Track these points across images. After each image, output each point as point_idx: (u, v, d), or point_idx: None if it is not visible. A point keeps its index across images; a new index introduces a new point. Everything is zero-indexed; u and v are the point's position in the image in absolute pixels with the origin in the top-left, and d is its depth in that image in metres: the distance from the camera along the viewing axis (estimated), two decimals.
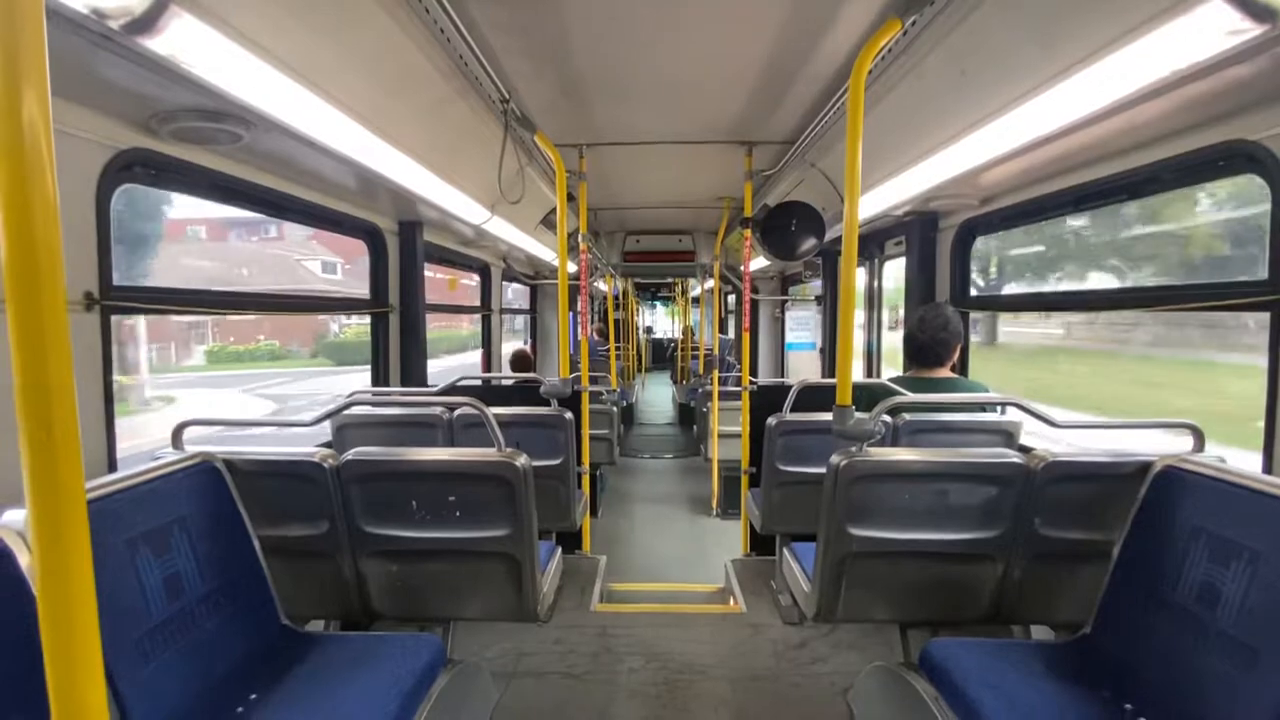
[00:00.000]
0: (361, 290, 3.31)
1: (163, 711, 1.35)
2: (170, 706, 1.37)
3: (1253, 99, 1.55)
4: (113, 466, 1.71)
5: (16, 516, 1.19)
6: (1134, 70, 1.45)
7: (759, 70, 2.43)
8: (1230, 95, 1.53)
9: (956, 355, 2.50)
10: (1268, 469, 1.60)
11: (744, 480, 3.86)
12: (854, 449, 1.77)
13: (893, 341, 4.15)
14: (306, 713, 1.47)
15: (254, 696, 1.50)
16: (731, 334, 9.17)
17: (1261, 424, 1.65)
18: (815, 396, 2.77)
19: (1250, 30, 1.19)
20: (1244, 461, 1.66)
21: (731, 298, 8.96)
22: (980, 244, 3.10)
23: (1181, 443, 1.74)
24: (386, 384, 3.26)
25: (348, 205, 2.86)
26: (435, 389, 3.17)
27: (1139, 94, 1.51)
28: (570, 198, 3.52)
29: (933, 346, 2.46)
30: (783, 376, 6.60)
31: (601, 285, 8.78)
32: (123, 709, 1.27)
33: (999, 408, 2.57)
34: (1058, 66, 1.58)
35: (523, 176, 2.96)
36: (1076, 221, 2.90)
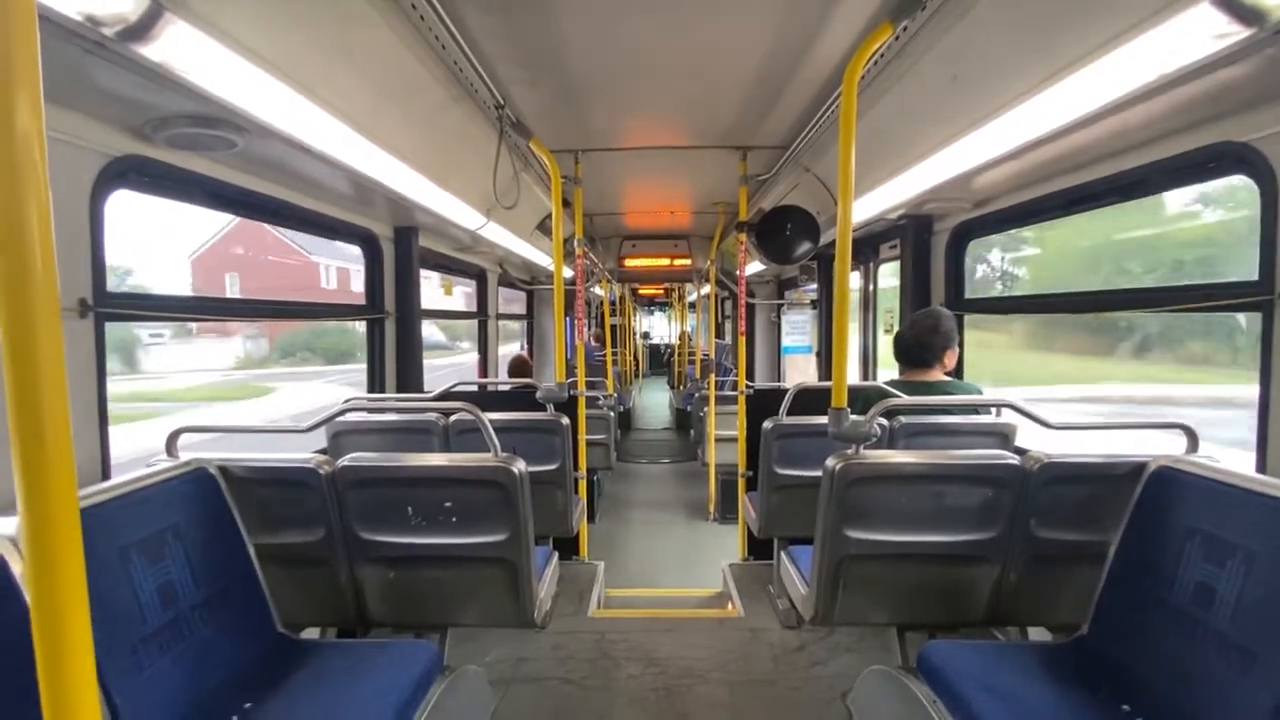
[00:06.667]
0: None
1: None
2: (164, 715, 1.36)
3: (1242, 101, 1.56)
4: (106, 474, 1.70)
5: (9, 524, 1.18)
6: (1124, 74, 1.46)
7: (753, 76, 2.44)
8: (1220, 97, 1.54)
9: (951, 359, 2.48)
10: (1261, 468, 1.61)
11: (741, 484, 3.86)
12: (850, 451, 1.77)
13: (889, 345, 4.17)
14: None
15: (249, 705, 1.49)
16: (728, 338, 9.17)
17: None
18: (812, 400, 2.76)
19: (1238, 33, 1.21)
20: None
21: (728, 302, 8.96)
22: None
23: (1175, 444, 1.74)
24: (382, 390, 3.26)
25: (343, 211, 2.86)
26: (431, 394, 3.16)
27: (1130, 97, 1.52)
28: (566, 203, 3.52)
29: (919, 348, 2.43)
30: (779, 380, 6.60)
31: (598, 290, 8.78)
32: (116, 718, 1.26)
33: (994, 410, 2.57)
34: (1049, 70, 1.59)
35: (518, 182, 2.96)
36: None
